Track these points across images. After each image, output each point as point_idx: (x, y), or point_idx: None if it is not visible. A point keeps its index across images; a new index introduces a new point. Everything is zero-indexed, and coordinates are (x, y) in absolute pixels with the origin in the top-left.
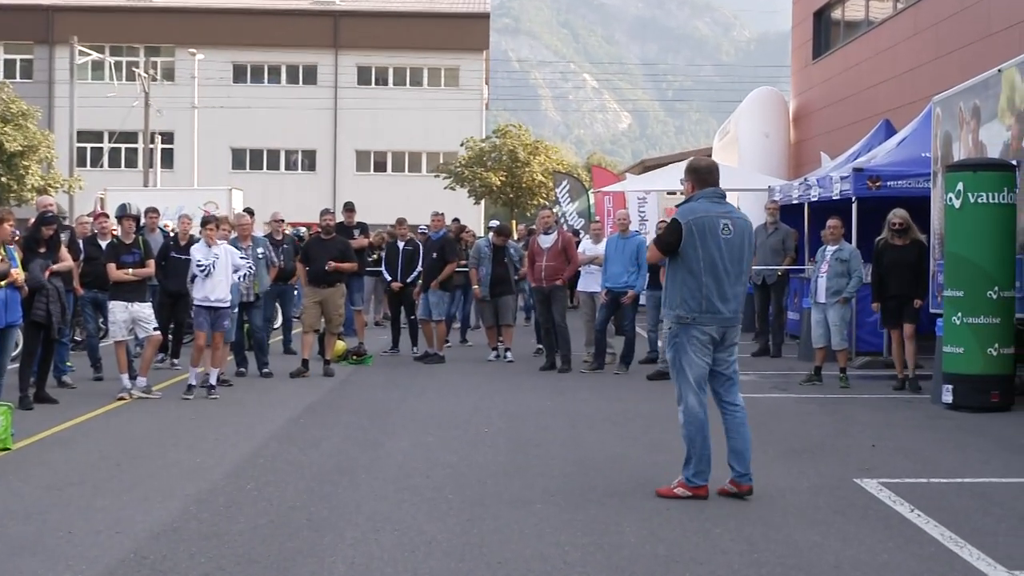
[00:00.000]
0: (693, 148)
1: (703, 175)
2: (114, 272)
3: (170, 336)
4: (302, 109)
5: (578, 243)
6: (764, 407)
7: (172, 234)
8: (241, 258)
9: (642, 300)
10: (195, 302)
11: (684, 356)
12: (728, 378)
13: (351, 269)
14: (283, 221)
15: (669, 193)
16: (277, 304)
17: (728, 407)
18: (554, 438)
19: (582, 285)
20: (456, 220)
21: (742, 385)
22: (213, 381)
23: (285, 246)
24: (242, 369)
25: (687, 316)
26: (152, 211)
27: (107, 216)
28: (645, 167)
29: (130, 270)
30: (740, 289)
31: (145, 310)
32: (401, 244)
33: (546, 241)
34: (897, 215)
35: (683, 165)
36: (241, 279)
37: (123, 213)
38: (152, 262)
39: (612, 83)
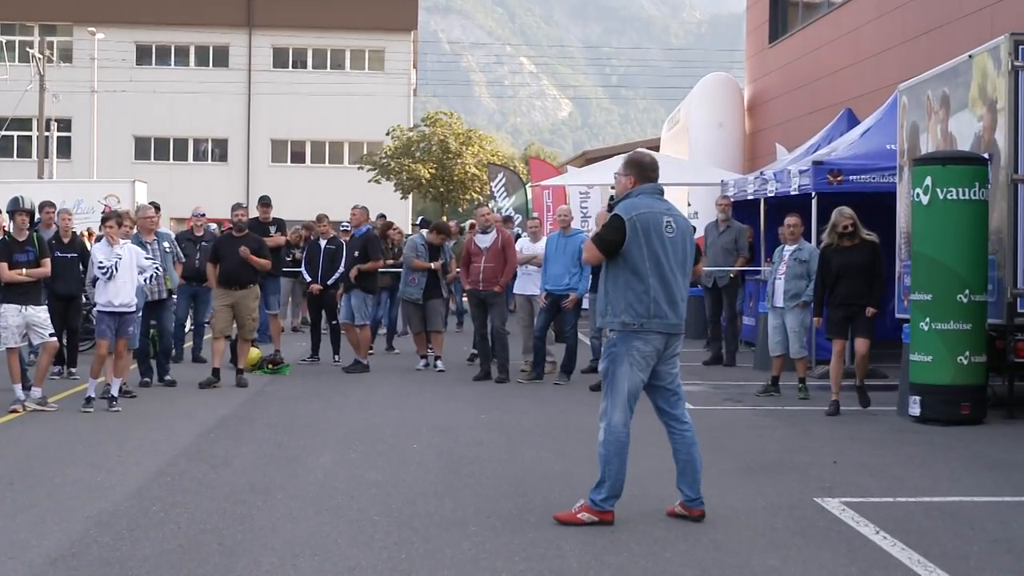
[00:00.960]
0: (639, 139)
1: (646, 170)
2: (6, 272)
3: (64, 343)
4: (212, 94)
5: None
6: (717, 420)
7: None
8: (147, 258)
9: (585, 304)
10: (97, 307)
11: (620, 368)
12: (673, 392)
13: (265, 267)
14: (204, 215)
15: (614, 187)
16: (190, 307)
17: (676, 425)
18: (489, 454)
19: (519, 287)
20: (382, 216)
21: (693, 397)
22: (115, 392)
23: (205, 243)
24: (147, 379)
25: (633, 323)
26: (48, 205)
27: None
28: (587, 159)
29: (24, 270)
30: (686, 294)
31: (41, 314)
32: (323, 243)
33: (484, 240)
34: (844, 215)
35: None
36: (147, 281)
37: (16, 207)
38: (48, 261)
39: (551, 67)
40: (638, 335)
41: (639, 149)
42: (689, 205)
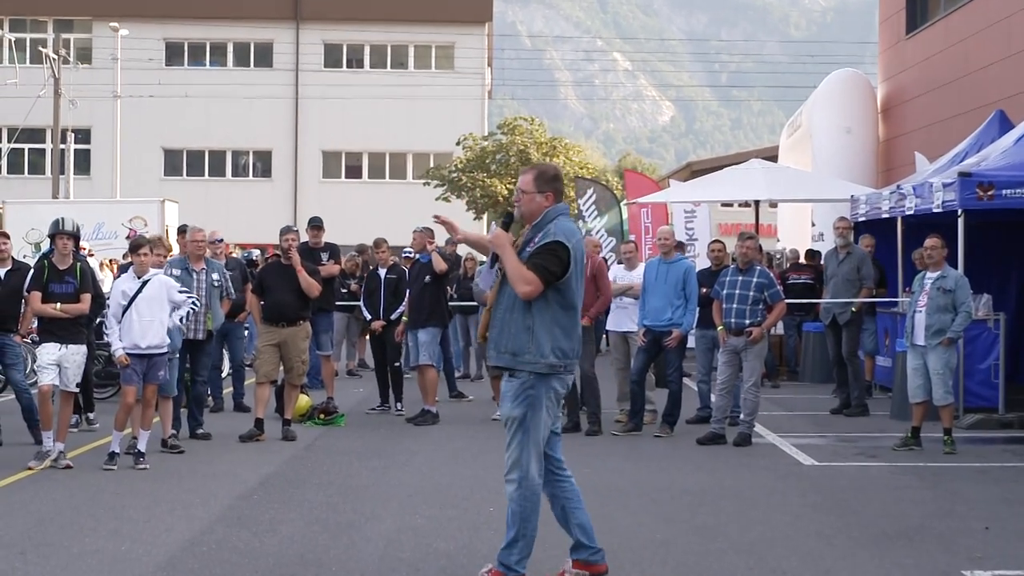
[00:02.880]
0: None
1: (562, 186)
2: (36, 304)
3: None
4: (254, 99)
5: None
6: (847, 479)
7: (87, 256)
8: (181, 291)
9: (690, 342)
10: (121, 349)
11: (536, 415)
12: (556, 433)
13: (312, 289)
14: (222, 241)
15: (724, 205)
16: (223, 347)
17: (559, 472)
18: None
19: (613, 323)
20: (451, 242)
21: (818, 451)
22: (142, 447)
23: (229, 272)
24: (174, 432)
25: (560, 364)
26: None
27: (6, 235)
28: (693, 171)
29: (59, 305)
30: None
31: (78, 357)
32: (383, 272)
33: None
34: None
35: (743, 169)
36: (183, 320)
37: (57, 230)
38: (88, 297)
39: (650, 64)
40: (559, 377)
41: (544, 163)
42: (813, 225)
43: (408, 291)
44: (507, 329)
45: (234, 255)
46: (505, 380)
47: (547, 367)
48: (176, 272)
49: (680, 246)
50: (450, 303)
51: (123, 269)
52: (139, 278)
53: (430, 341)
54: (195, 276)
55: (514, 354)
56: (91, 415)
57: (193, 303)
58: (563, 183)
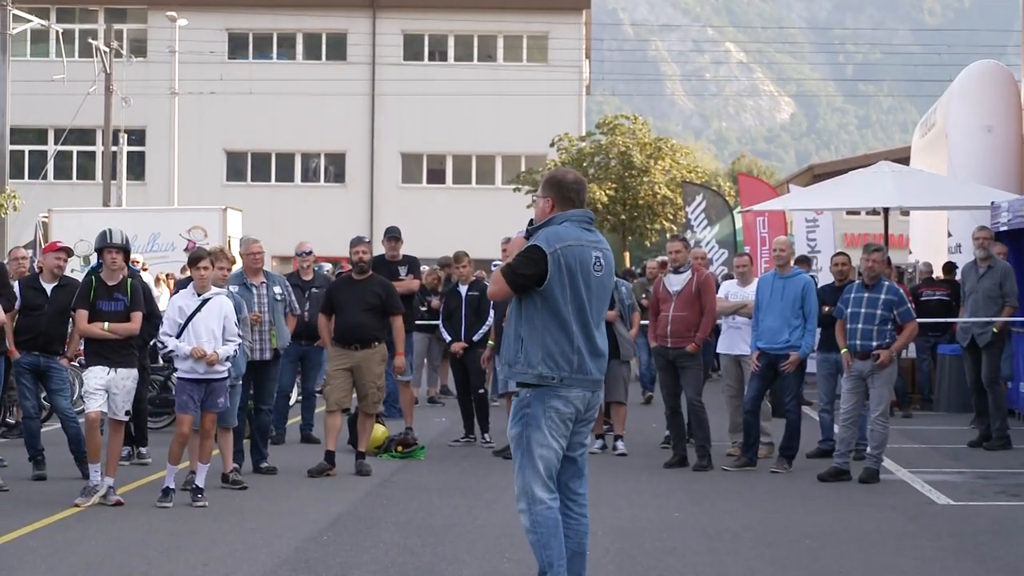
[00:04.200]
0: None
1: (567, 191)
2: (82, 324)
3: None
4: (326, 96)
5: (718, 285)
6: (987, 520)
7: (140, 270)
8: (238, 320)
9: (811, 367)
10: (178, 373)
11: (535, 434)
12: (575, 462)
13: (398, 312)
14: (311, 253)
15: (850, 213)
16: (298, 371)
17: (574, 507)
18: (685, 565)
19: (724, 345)
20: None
21: (954, 489)
22: (200, 482)
23: (315, 289)
24: (235, 466)
25: (553, 376)
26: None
27: (68, 251)
28: (815, 175)
29: (106, 324)
30: (606, 344)
31: (128, 382)
32: (463, 289)
33: (675, 282)
34: None
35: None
36: (228, 359)
37: (104, 243)
38: (139, 316)
39: (767, 56)
40: (557, 393)
41: (562, 167)
42: (950, 236)
43: (492, 310)
44: (506, 340)
45: (322, 269)
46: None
47: (536, 377)
48: (234, 288)
49: (805, 260)
50: None
51: (181, 285)
52: (199, 295)
53: None
54: (255, 291)
55: (509, 365)
56: (143, 449)
57: (236, 349)
58: (565, 188)
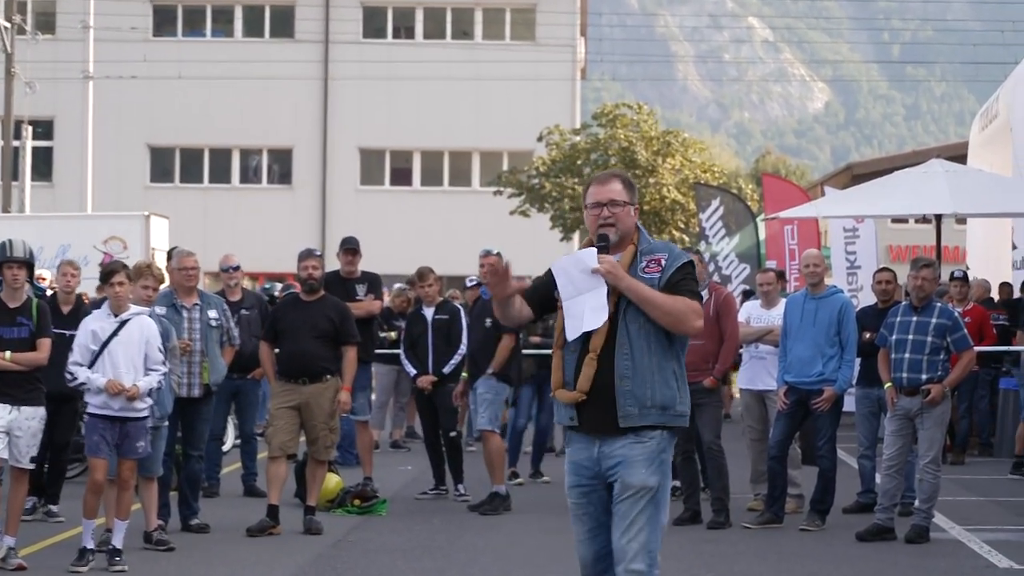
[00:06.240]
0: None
1: None
2: None
3: (45, 467)
4: (270, 80)
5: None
6: None
7: (50, 292)
8: (162, 347)
9: (848, 404)
10: (90, 409)
11: (668, 486)
12: None
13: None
14: (239, 268)
15: (896, 221)
16: (230, 411)
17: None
18: None
19: (746, 379)
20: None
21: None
22: (117, 542)
23: (245, 311)
24: (161, 523)
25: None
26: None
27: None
28: (854, 176)
29: (7, 353)
30: None
31: (34, 423)
32: (429, 312)
33: None
34: None
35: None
36: (152, 393)
37: (5, 256)
38: (46, 343)
39: (798, 34)
40: (676, 437)
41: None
42: (1014, 248)
43: (466, 336)
44: (650, 378)
45: (252, 287)
46: (628, 444)
47: (686, 421)
48: (161, 310)
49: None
50: (533, 351)
51: (96, 305)
52: (115, 316)
53: (493, 399)
54: (185, 315)
55: (663, 408)
56: (54, 507)
57: (160, 379)
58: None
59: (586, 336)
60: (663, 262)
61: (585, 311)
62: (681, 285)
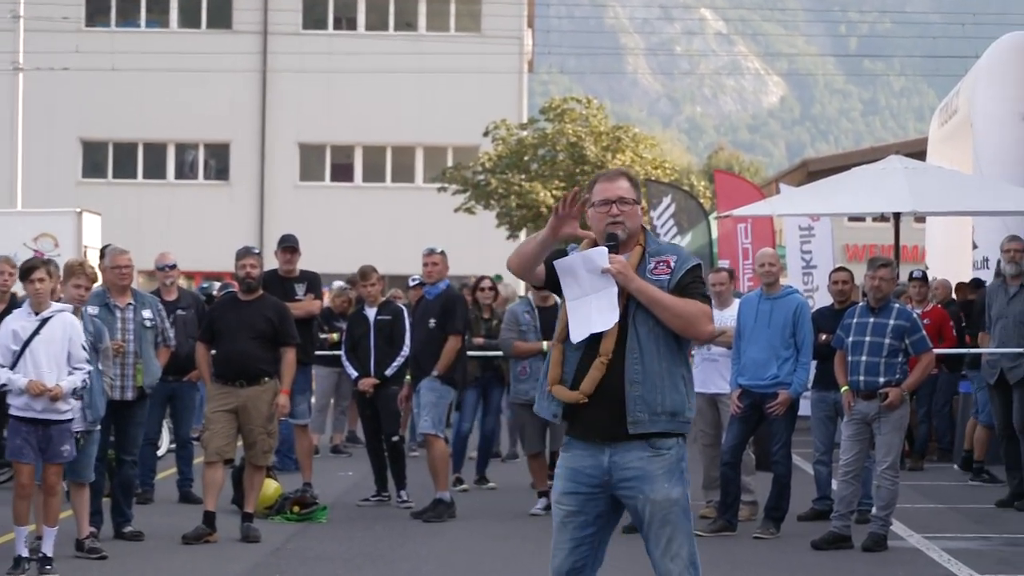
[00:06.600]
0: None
1: None
2: None
3: None
4: (206, 72)
5: None
6: None
7: None
8: (86, 343)
9: (804, 408)
10: (12, 411)
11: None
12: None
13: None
14: (175, 267)
15: (853, 219)
16: (165, 415)
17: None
18: None
19: (697, 382)
20: (491, 280)
21: (976, 557)
22: (47, 549)
23: (181, 311)
24: (93, 530)
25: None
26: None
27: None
28: (810, 173)
29: None
30: None
31: None
32: (371, 312)
33: None
34: None
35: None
36: (75, 392)
37: None
38: None
39: (752, 25)
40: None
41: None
42: (975, 248)
43: (407, 335)
44: (660, 383)
45: (188, 287)
46: (646, 457)
47: (690, 428)
48: (93, 310)
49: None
50: (479, 353)
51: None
52: (36, 314)
53: (435, 402)
54: (119, 314)
55: (673, 414)
56: None
57: (85, 379)
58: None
59: (594, 338)
60: (672, 264)
61: (592, 312)
62: (691, 288)
